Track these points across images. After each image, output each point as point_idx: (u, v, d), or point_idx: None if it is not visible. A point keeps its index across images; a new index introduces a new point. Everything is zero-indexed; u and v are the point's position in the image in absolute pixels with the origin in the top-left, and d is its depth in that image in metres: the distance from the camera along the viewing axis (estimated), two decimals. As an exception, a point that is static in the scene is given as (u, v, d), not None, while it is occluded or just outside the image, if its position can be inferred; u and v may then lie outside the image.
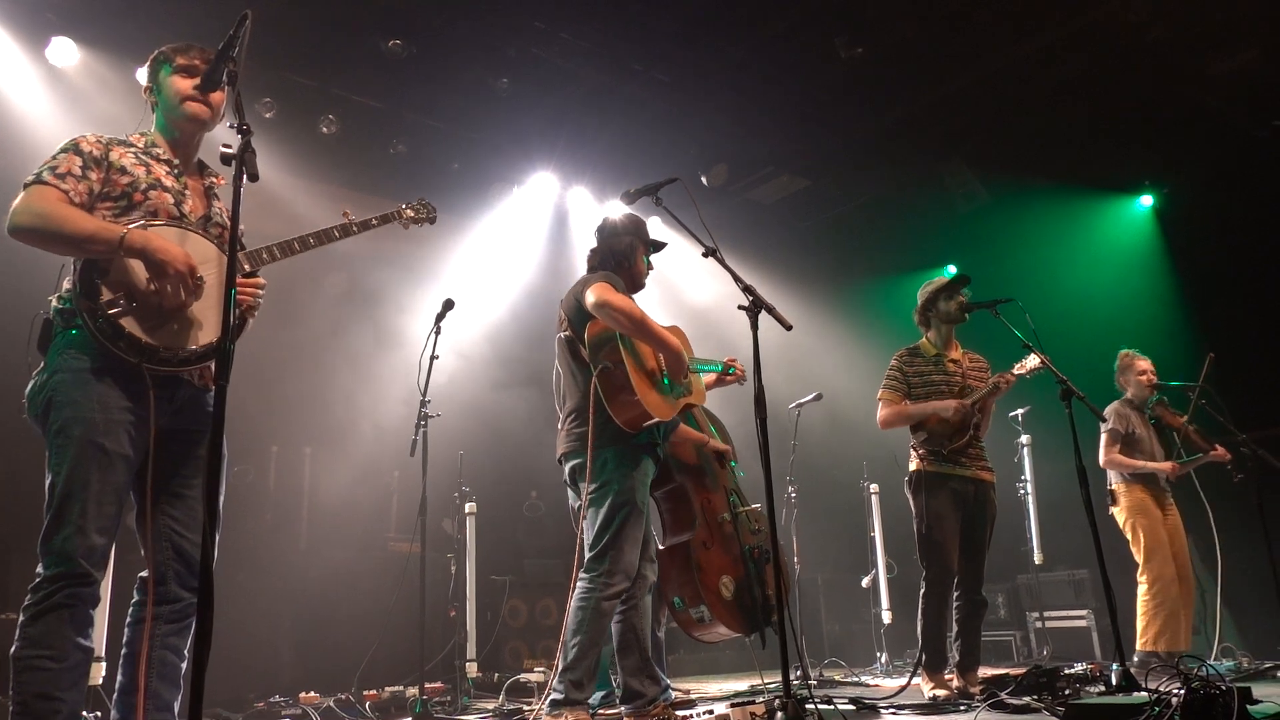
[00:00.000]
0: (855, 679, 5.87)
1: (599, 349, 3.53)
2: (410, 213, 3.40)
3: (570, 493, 3.83)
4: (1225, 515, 6.39)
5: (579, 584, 3.47)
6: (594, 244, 3.97)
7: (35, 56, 5.63)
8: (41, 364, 2.52)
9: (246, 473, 6.12)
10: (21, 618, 2.33)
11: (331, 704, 4.55)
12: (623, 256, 3.85)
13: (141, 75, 2.89)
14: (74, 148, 2.56)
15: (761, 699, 3.49)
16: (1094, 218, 8.32)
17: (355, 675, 4.86)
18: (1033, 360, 4.45)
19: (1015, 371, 4.53)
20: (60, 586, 2.32)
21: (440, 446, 5.15)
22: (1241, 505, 5.52)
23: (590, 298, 3.43)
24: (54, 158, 2.53)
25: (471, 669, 5.54)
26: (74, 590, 2.34)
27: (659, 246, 4.04)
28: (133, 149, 2.69)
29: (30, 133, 5.53)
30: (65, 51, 5.63)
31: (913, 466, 4.62)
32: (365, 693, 4.82)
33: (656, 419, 3.52)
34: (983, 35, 6.37)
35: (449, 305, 4.66)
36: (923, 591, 4.49)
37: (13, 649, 2.31)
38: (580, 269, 8.07)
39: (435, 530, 6.06)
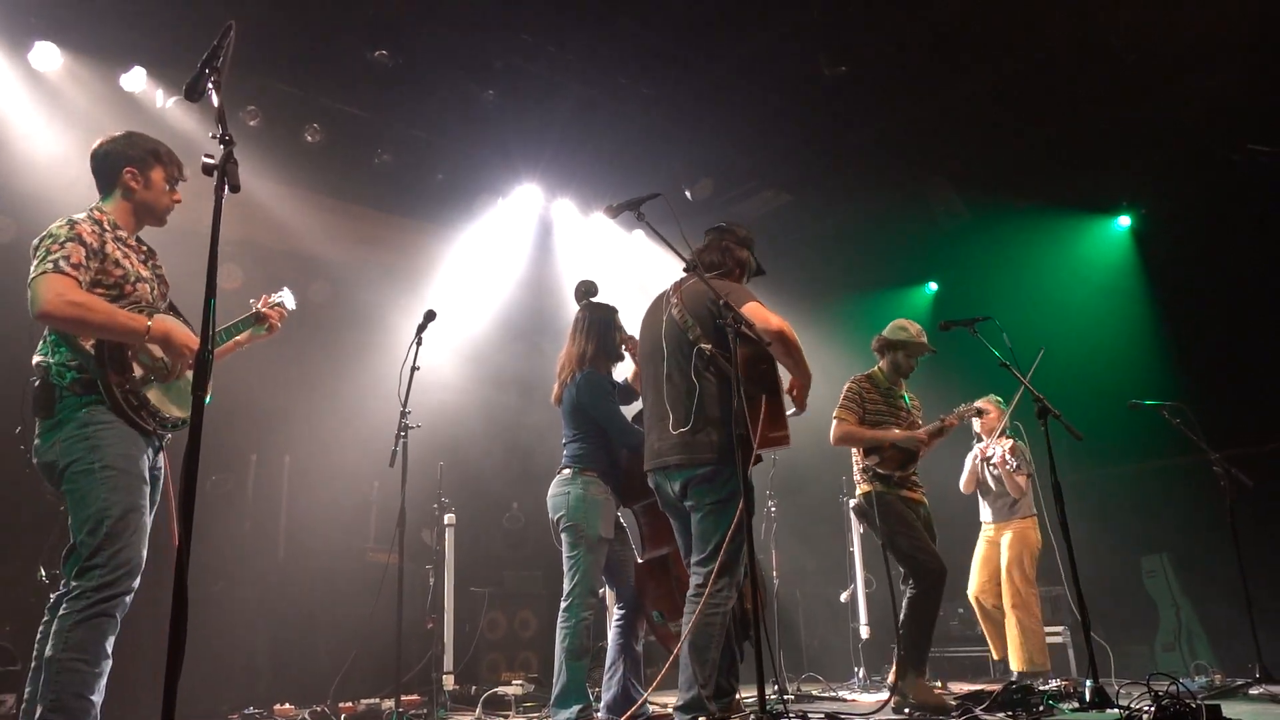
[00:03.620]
0: (832, 693, 5.88)
1: (754, 367, 3.47)
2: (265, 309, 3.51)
3: (664, 495, 3.69)
4: (1200, 534, 6.47)
5: (708, 597, 3.33)
6: (712, 240, 3.85)
7: (17, 61, 5.61)
8: (52, 420, 2.82)
9: (224, 482, 6.08)
10: (59, 625, 2.61)
11: (306, 716, 4.51)
12: (743, 270, 3.79)
13: (123, 145, 3.08)
14: (78, 239, 2.84)
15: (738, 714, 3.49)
16: (1073, 237, 8.42)
17: (331, 687, 4.82)
18: (972, 409, 4.85)
19: (958, 413, 4.82)
20: (108, 597, 2.65)
21: (420, 457, 5.14)
22: (1217, 523, 5.57)
23: (756, 318, 3.36)
24: (62, 245, 2.80)
25: (448, 681, 5.51)
26: (119, 600, 2.68)
27: (760, 272, 3.96)
28: (105, 231, 2.95)
29: (12, 137, 5.50)
30: (48, 56, 5.61)
31: (863, 489, 4.78)
32: (341, 704, 4.79)
33: (785, 446, 3.56)
34: (965, 55, 6.45)
35: (430, 316, 4.66)
36: (910, 595, 4.53)
37: (50, 651, 2.59)
38: (564, 282, 8.09)
39: (414, 541, 6.02)
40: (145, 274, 3.03)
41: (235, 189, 2.51)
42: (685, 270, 3.52)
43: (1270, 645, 5.27)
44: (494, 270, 7.91)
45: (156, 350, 2.95)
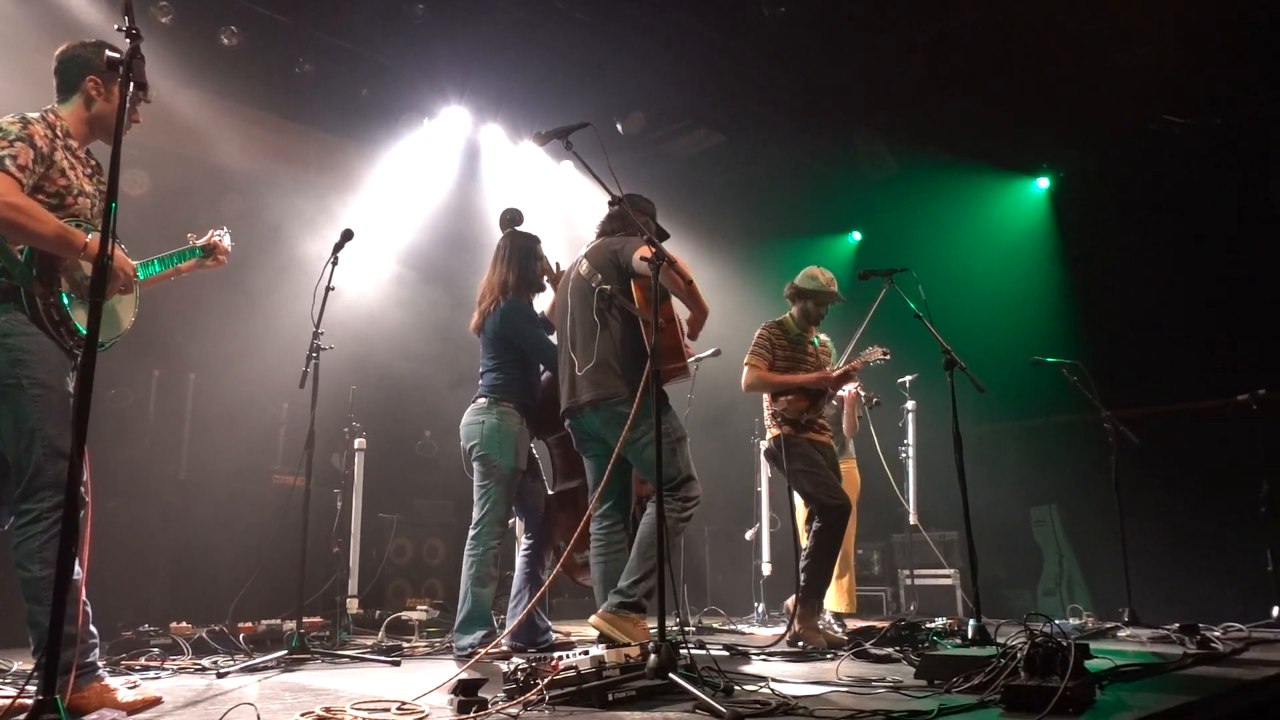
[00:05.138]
0: (732, 627, 6.08)
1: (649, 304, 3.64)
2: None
3: (582, 434, 3.93)
4: (1087, 488, 6.84)
5: (654, 508, 3.56)
6: (614, 212, 4.05)
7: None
8: None
9: (123, 396, 5.90)
10: (27, 549, 2.66)
11: (204, 635, 4.48)
12: (642, 232, 3.88)
13: (91, 53, 2.95)
14: (29, 140, 2.73)
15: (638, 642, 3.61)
16: (993, 196, 8.65)
17: (230, 607, 4.79)
18: (877, 352, 4.92)
19: (860, 361, 4.93)
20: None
21: (332, 380, 5.06)
22: (1104, 478, 5.89)
23: (642, 256, 3.61)
24: (10, 144, 2.69)
25: (352, 605, 5.53)
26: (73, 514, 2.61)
27: (664, 236, 4.07)
28: (57, 138, 2.84)
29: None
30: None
31: (772, 434, 4.93)
32: (240, 625, 4.76)
33: (685, 379, 3.90)
34: (904, 7, 6.48)
35: (348, 236, 4.55)
36: (816, 527, 4.70)
37: (31, 572, 2.65)
38: (489, 209, 7.96)
39: (323, 465, 5.97)
40: (88, 189, 2.92)
41: (141, 87, 2.45)
42: (610, 204, 3.68)
43: (1141, 592, 5.64)
44: (417, 193, 7.73)
45: (88, 268, 2.84)
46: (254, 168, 6.91)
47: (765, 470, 7.04)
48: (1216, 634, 4.52)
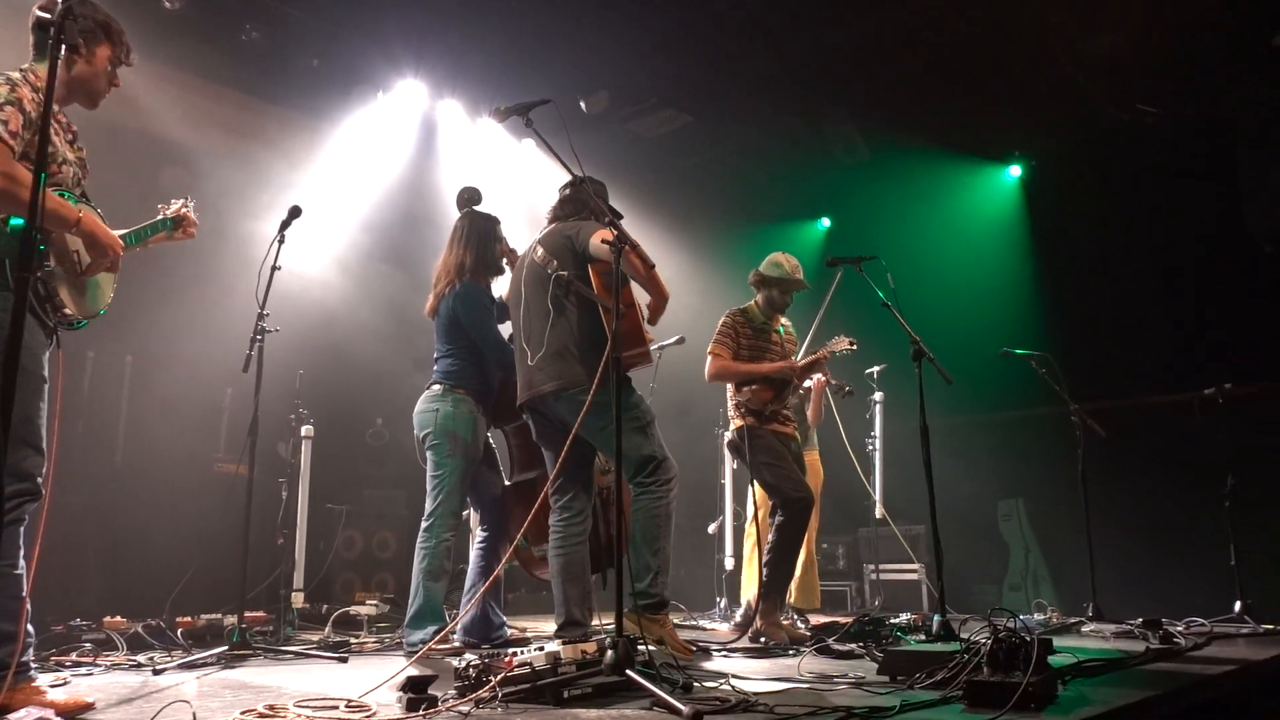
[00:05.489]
0: (693, 623, 6.12)
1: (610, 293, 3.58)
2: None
3: (543, 424, 3.95)
4: (1055, 482, 6.96)
5: (643, 498, 3.74)
6: (565, 196, 4.11)
7: None
8: None
9: (55, 378, 5.76)
10: None
11: (140, 630, 4.41)
12: (598, 217, 3.92)
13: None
14: (18, 104, 2.65)
15: (595, 638, 3.62)
16: (965, 183, 8.76)
17: (168, 600, 4.72)
18: (844, 342, 4.96)
19: (826, 350, 4.97)
20: (20, 503, 2.61)
21: (279, 364, 5.00)
22: (1071, 472, 6.00)
23: (598, 241, 3.63)
24: (1, 108, 2.61)
25: (298, 599, 5.48)
26: (28, 505, 2.65)
27: (617, 216, 4.05)
28: (39, 99, 2.73)
29: None
30: None
31: (736, 425, 4.95)
32: (179, 619, 4.69)
33: (647, 364, 3.98)
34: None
35: (295, 213, 4.49)
36: (778, 521, 4.73)
37: None
38: (446, 187, 7.89)
39: (268, 453, 5.91)
40: (71, 156, 2.87)
41: (73, 49, 2.39)
42: (571, 184, 3.75)
43: (1106, 587, 5.77)
44: (369, 170, 7.63)
45: (73, 244, 2.80)
46: (197, 140, 6.77)
47: (729, 463, 7.08)
48: (1179, 629, 4.63)
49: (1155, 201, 7.42)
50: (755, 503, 5.86)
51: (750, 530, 5.92)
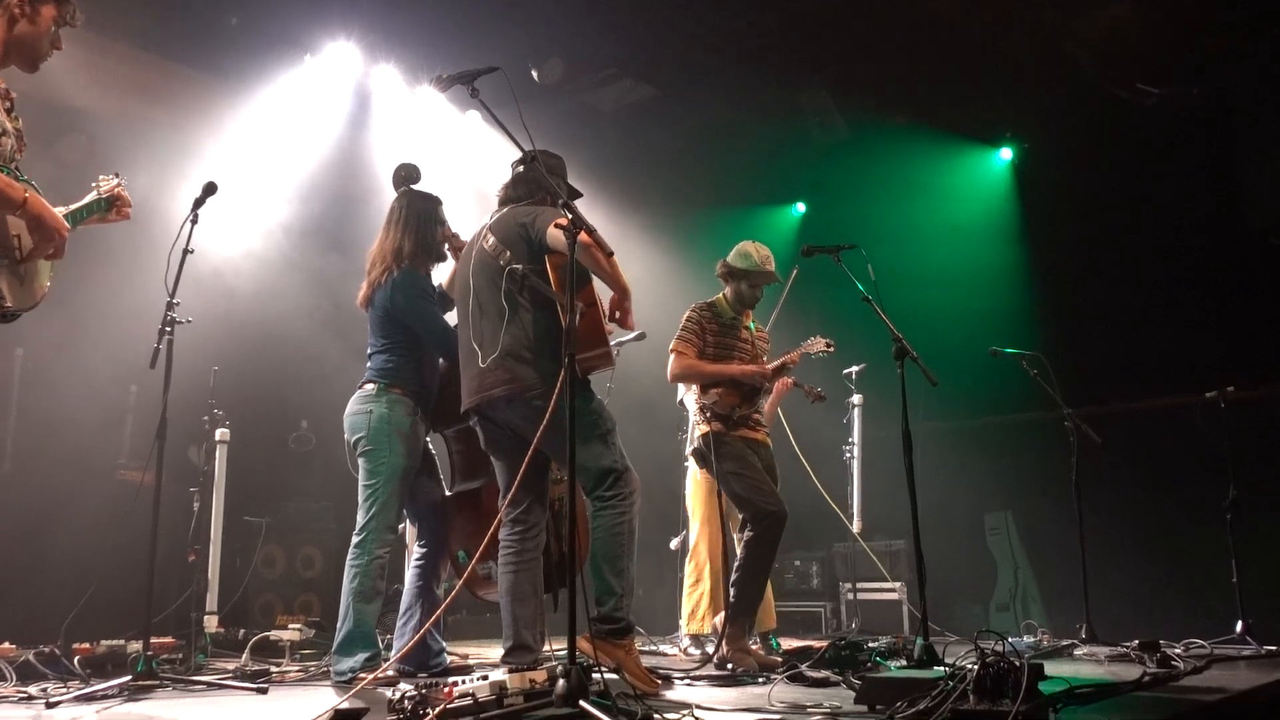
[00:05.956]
0: (653, 647, 6.13)
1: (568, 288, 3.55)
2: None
3: (492, 431, 3.94)
4: (1046, 493, 7.07)
5: (604, 514, 3.75)
6: (519, 174, 4.08)
7: None
8: None
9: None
10: None
11: (31, 657, 4.33)
12: (555, 198, 3.82)
13: None
14: None
15: (545, 665, 3.62)
16: (952, 166, 8.86)
17: (63, 625, 4.64)
18: (820, 343, 5.02)
19: (800, 351, 5.02)
20: None
21: (190, 359, 4.93)
22: (1064, 482, 6.10)
23: (559, 233, 3.51)
24: None
25: (211, 623, 5.41)
26: None
27: (576, 195, 4.06)
28: None
29: None
30: None
31: (701, 430, 4.95)
32: (76, 645, 4.61)
33: (608, 368, 4.00)
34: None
35: (210, 189, 4.41)
36: (748, 536, 4.75)
37: None
38: (381, 163, 7.81)
39: (178, 459, 5.84)
40: (9, 126, 2.84)
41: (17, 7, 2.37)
42: (520, 163, 3.73)
43: (1100, 606, 5.88)
44: (295, 142, 7.54)
45: (14, 227, 2.78)
46: (99, 106, 6.65)
47: (694, 472, 7.09)
48: (1178, 651, 4.74)
49: (1156, 189, 7.56)
50: (698, 517, 5.89)
51: (699, 547, 5.92)
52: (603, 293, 3.91)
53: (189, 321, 4.43)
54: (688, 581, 5.92)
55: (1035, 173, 8.62)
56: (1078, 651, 5.28)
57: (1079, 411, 6.14)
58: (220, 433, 5.71)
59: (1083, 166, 8.03)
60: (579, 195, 4.11)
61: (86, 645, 4.67)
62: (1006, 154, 8.85)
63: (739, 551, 4.83)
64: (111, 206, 3.37)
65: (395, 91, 7.85)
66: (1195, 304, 7.41)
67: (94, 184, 3.36)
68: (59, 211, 3.05)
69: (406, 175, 4.64)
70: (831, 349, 5.04)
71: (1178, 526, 6.88)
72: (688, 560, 5.97)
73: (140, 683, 3.98)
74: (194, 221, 4.37)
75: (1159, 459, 7.10)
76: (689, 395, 5.92)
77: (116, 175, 3.43)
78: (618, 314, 3.86)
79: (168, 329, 4.29)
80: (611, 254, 3.60)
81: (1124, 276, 7.66)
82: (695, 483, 6.01)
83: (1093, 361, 7.44)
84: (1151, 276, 7.55)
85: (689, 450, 6.12)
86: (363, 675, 3.93)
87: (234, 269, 7.04)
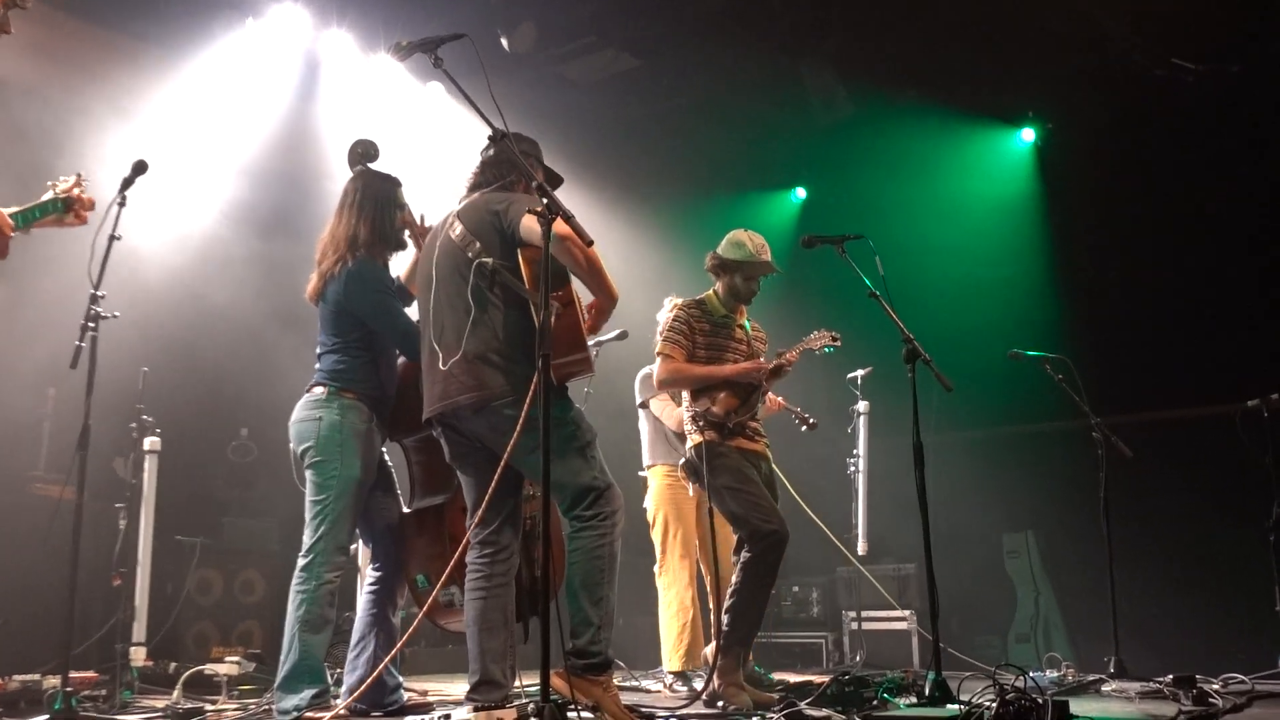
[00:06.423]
0: (634, 683, 6.14)
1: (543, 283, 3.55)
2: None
3: (458, 444, 3.93)
4: (1072, 511, 7.11)
5: (583, 536, 3.74)
6: (489, 157, 4.07)
7: None
8: None
9: None
10: None
11: (-66, 695, 4.30)
12: (528, 183, 3.83)
13: None
14: None
15: (514, 703, 3.61)
16: (968, 149, 8.90)
17: (-28, 658, 4.62)
18: (825, 337, 5.02)
19: (801, 348, 5.01)
20: None
21: (117, 359, 4.92)
22: (1091, 499, 6.12)
23: (535, 224, 3.52)
24: None
25: (139, 655, 5.38)
26: None
27: (556, 181, 4.07)
28: None
29: None
30: None
31: (693, 441, 4.96)
32: (-15, 681, 4.59)
33: (587, 374, 3.98)
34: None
35: (140, 168, 4.39)
36: (745, 558, 4.75)
37: None
38: (336, 136, 7.80)
39: (102, 472, 5.83)
40: None
41: None
42: (489, 140, 3.68)
43: (1130, 637, 5.90)
44: (236, 116, 7.52)
45: None
46: (16, 74, 6.63)
47: (660, 484, 7.10)
48: (1216, 687, 4.77)
49: (1194, 175, 7.61)
50: (669, 535, 5.91)
51: (674, 574, 5.93)
52: (583, 295, 3.92)
53: (115, 316, 4.41)
54: (663, 610, 5.94)
55: (1060, 156, 8.66)
56: (1106, 687, 5.31)
57: (1107, 421, 6.16)
58: (150, 442, 5.68)
59: (1113, 150, 8.07)
60: (560, 181, 4.11)
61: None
62: (1029, 135, 8.89)
63: (734, 576, 4.82)
64: (69, 208, 3.36)
65: (348, 60, 7.85)
66: (1237, 302, 7.46)
67: (50, 183, 3.34)
68: (7, 211, 3.04)
69: (363, 153, 4.63)
70: (838, 343, 5.03)
71: (1216, 549, 6.93)
72: (660, 585, 5.99)
73: (59, 722, 3.96)
74: (121, 204, 4.35)
75: (1196, 474, 7.14)
76: (659, 402, 5.96)
77: (78, 177, 3.42)
78: (596, 320, 3.89)
79: (91, 325, 4.27)
80: (591, 243, 3.60)
81: (1158, 271, 7.70)
82: (655, 496, 6.07)
83: (1123, 365, 7.49)
84: (1189, 272, 7.60)
85: (649, 462, 6.16)
86: (309, 714, 3.91)
87: (166, 257, 7.01)
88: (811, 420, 5.51)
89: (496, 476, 3.61)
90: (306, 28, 7.58)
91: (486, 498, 3.72)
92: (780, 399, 5.63)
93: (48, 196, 3.30)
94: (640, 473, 6.25)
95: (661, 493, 6.05)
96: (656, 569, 6.12)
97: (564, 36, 7.93)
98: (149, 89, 7.22)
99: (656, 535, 6.06)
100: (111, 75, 7.16)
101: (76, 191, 3.38)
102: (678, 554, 5.97)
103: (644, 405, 6.18)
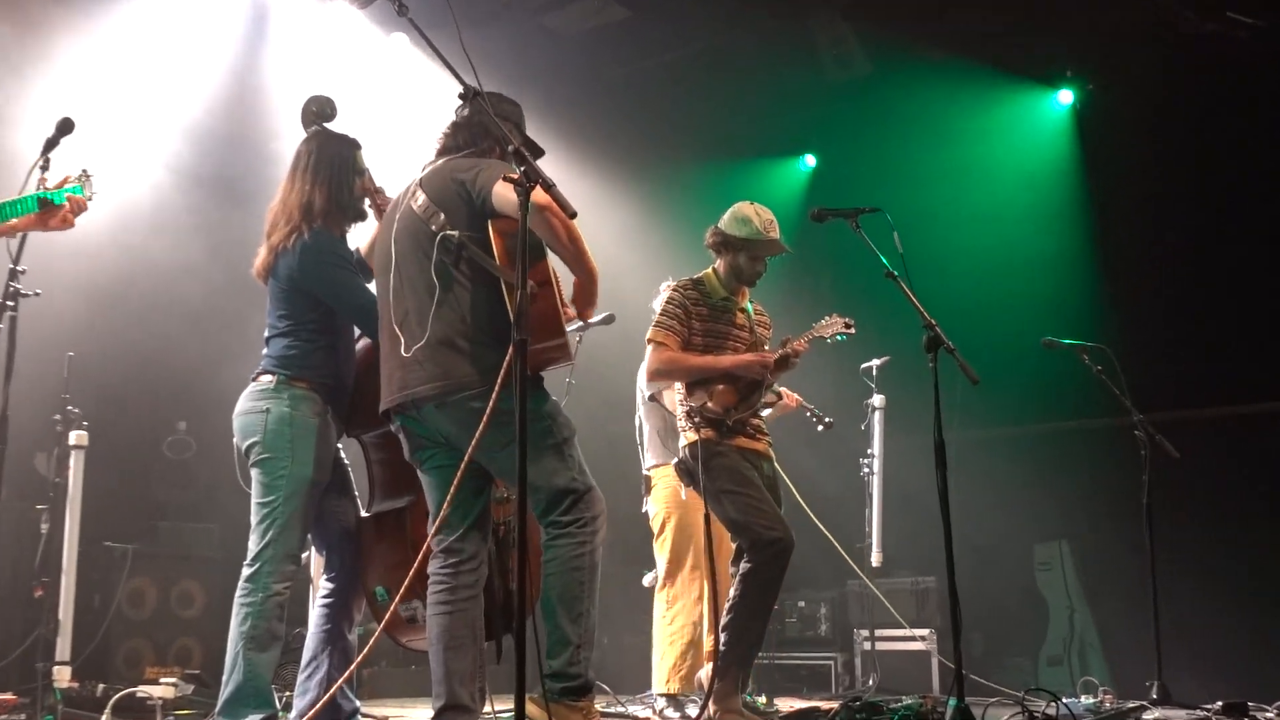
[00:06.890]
0: (620, 709, 6.15)
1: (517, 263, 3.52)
2: None
3: (418, 439, 3.93)
4: (1110, 518, 7.12)
5: (560, 544, 3.75)
6: (462, 118, 4.08)
7: None
8: None
9: None
10: None
11: None
12: (504, 149, 3.83)
13: None
14: None
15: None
16: (997, 112, 8.88)
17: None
18: (838, 324, 5.03)
19: (810, 336, 5.01)
20: None
21: (39, 343, 4.90)
22: (1132, 505, 6.13)
23: (509, 192, 3.47)
24: None
25: (63, 675, 5.37)
26: None
27: (538, 153, 4.02)
28: None
29: None
30: None
31: (688, 439, 4.94)
32: (-111, 705, 4.58)
33: (566, 363, 4.00)
34: None
35: (65, 128, 4.35)
36: (745, 569, 4.75)
37: None
38: (286, 91, 7.77)
39: (21, 470, 5.81)
40: None
41: None
42: (460, 99, 3.69)
43: (1174, 659, 5.92)
44: (174, 68, 7.48)
45: None
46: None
47: (666, 486, 7.11)
48: (1269, 715, 4.79)
49: (1250, 144, 7.61)
50: (679, 544, 5.92)
51: (683, 586, 5.94)
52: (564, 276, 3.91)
53: (36, 295, 4.40)
54: (662, 626, 5.93)
55: (1101, 120, 8.66)
56: (1148, 715, 5.33)
57: (1151, 417, 6.17)
58: (76, 436, 5.67)
59: (1160, 114, 8.07)
60: (541, 153, 4.09)
61: (-97, 704, 4.65)
62: (1066, 97, 8.90)
63: (733, 589, 4.83)
64: (51, 210, 3.30)
65: (302, 6, 7.81)
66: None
67: (41, 178, 3.29)
68: None
69: (318, 112, 4.60)
70: (852, 330, 5.02)
71: (1272, 561, 6.96)
72: (661, 598, 5.98)
73: (-28, 751, 3.97)
74: (44, 168, 4.30)
75: (1250, 477, 7.18)
76: (674, 395, 5.94)
77: (84, 174, 3.37)
78: (579, 303, 3.87)
79: (9, 304, 4.25)
80: (574, 215, 3.58)
81: (1210, 250, 7.72)
82: (664, 500, 6.02)
83: (1170, 355, 7.50)
84: (1244, 250, 7.60)
85: (651, 464, 6.16)
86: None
87: (95, 229, 6.95)
88: (829, 420, 5.51)
89: (459, 473, 3.60)
90: (253, -32, 7.57)
91: (448, 498, 3.71)
92: (797, 396, 5.62)
93: (30, 193, 3.23)
94: (645, 471, 6.23)
95: (671, 496, 6.02)
96: (657, 581, 6.11)
97: (545, -17, 7.92)
98: (74, 37, 7.17)
99: (664, 544, 6.03)
100: (31, 19, 7.12)
101: (69, 194, 3.28)
102: (688, 565, 5.94)
103: (654, 399, 6.15)
